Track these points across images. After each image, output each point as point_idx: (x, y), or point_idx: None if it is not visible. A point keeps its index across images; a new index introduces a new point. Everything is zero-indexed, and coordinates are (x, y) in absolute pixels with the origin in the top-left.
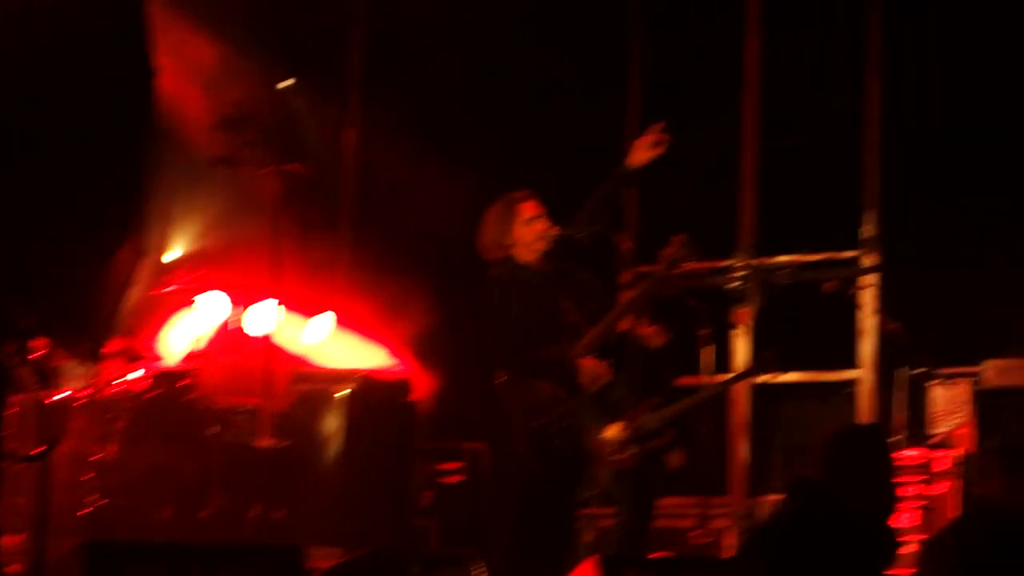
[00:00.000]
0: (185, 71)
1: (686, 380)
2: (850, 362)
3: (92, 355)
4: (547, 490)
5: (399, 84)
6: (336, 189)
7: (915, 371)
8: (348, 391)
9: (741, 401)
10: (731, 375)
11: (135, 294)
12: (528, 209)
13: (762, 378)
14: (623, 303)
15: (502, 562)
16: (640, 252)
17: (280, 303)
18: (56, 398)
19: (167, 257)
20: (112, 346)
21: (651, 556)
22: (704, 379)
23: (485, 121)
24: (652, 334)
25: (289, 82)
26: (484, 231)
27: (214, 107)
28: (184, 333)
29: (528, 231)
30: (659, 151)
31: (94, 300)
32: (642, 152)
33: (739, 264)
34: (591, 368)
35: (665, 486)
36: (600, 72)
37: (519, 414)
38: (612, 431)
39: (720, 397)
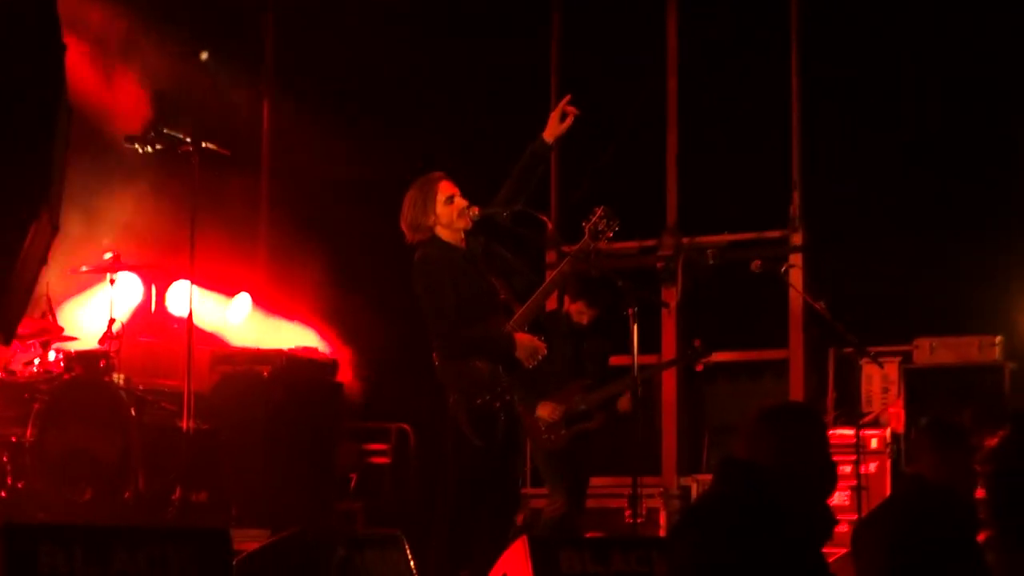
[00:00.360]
0: (94, 45)
1: (615, 360)
2: (780, 341)
3: (6, 336)
4: (491, 468)
5: (315, 58)
6: (253, 166)
7: (845, 350)
8: (271, 371)
9: (670, 380)
10: (658, 361)
11: (50, 272)
12: (445, 188)
13: (694, 363)
14: (550, 280)
15: (441, 542)
16: (563, 232)
17: (199, 283)
18: None
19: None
20: (27, 326)
21: (583, 536)
22: (633, 359)
23: (404, 97)
24: (578, 311)
25: (204, 55)
26: (404, 214)
27: (126, 83)
28: (102, 312)
29: (448, 211)
30: (568, 123)
31: (6, 278)
32: (555, 125)
33: (665, 244)
34: (528, 343)
35: (596, 466)
36: (520, 50)
37: (460, 392)
38: (544, 411)
39: (649, 376)
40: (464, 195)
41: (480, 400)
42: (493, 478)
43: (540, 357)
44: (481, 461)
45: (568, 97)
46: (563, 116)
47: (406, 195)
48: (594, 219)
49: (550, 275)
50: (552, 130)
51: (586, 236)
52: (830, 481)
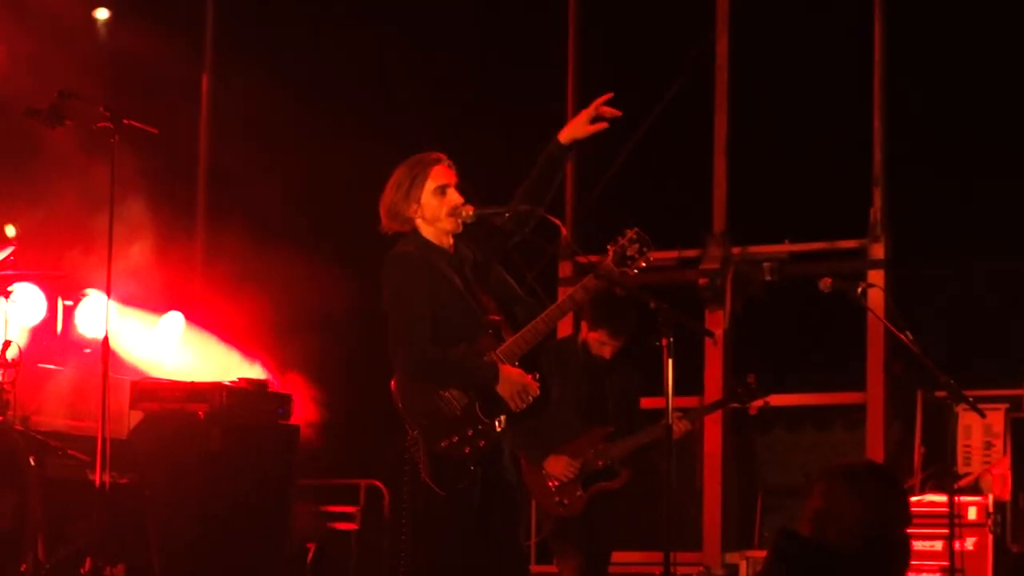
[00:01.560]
0: None
1: (646, 403)
2: (854, 381)
3: None
4: (460, 533)
5: (265, 25)
6: (188, 152)
7: (936, 394)
8: (208, 410)
9: (715, 429)
10: (702, 401)
11: None
12: (439, 175)
13: (746, 404)
14: (558, 303)
15: None
16: (581, 240)
17: (118, 297)
18: None
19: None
20: None
21: None
22: (667, 402)
23: (376, 72)
24: (598, 341)
25: (104, 13)
26: (384, 195)
27: (29, 43)
28: None
29: (436, 203)
30: (601, 127)
31: None
32: (580, 127)
33: (711, 255)
34: (516, 378)
35: (620, 537)
36: (531, 8)
37: (422, 429)
38: (556, 466)
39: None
40: (461, 190)
41: (446, 442)
42: (469, 544)
43: (530, 399)
44: (449, 521)
45: (607, 96)
46: (595, 118)
47: (392, 175)
48: (623, 241)
49: (561, 295)
50: (572, 130)
51: (608, 259)
52: (899, 564)
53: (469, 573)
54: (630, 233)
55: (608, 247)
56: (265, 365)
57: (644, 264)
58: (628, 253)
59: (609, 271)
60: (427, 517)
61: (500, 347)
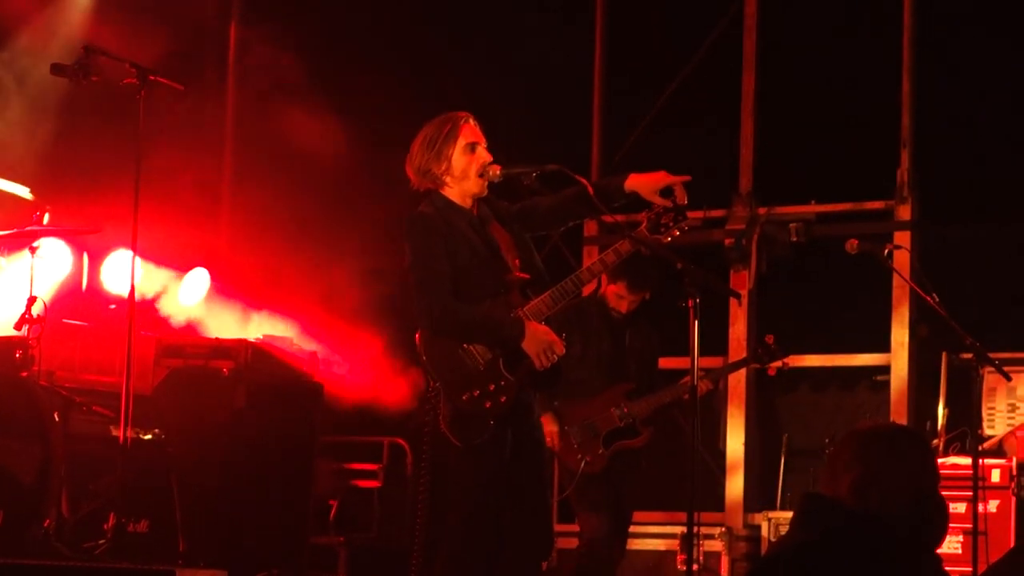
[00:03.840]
0: None
1: (670, 363)
2: (879, 343)
3: None
4: (476, 487)
5: None
6: (216, 106)
7: (961, 356)
8: (232, 368)
9: (738, 390)
10: (726, 361)
11: None
12: (469, 133)
13: (765, 365)
14: (590, 264)
15: None
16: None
17: (143, 253)
18: None
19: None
20: None
21: None
22: (692, 363)
23: (411, 20)
24: (616, 294)
25: None
26: (412, 154)
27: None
28: (19, 290)
29: (465, 161)
30: (664, 203)
31: None
32: (648, 188)
33: (737, 215)
34: (542, 335)
35: (642, 497)
36: None
37: (444, 382)
38: (575, 425)
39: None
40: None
41: (467, 396)
42: (486, 499)
43: (555, 358)
44: (468, 471)
45: (686, 179)
46: (666, 192)
47: (420, 132)
48: (658, 209)
49: (587, 254)
50: (640, 185)
51: (643, 226)
52: (941, 526)
53: (486, 528)
54: (669, 199)
55: (643, 214)
56: (290, 322)
57: (678, 233)
58: (663, 221)
59: (643, 237)
60: (445, 470)
61: (527, 305)
